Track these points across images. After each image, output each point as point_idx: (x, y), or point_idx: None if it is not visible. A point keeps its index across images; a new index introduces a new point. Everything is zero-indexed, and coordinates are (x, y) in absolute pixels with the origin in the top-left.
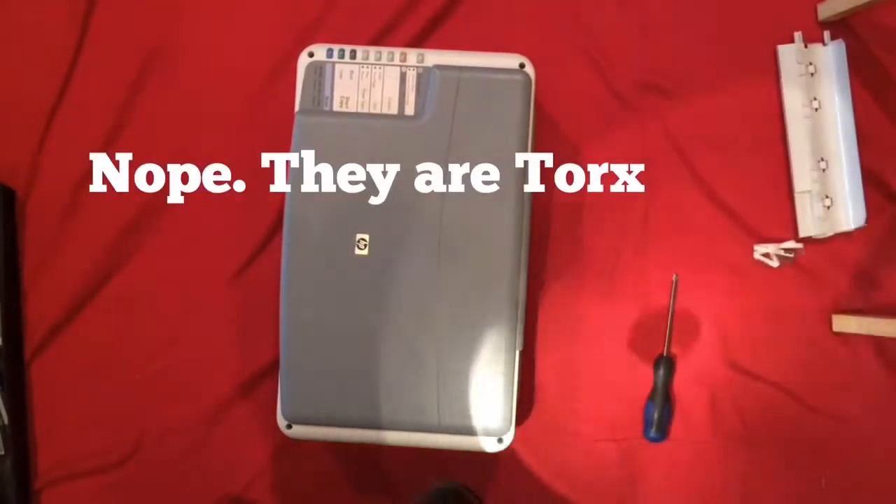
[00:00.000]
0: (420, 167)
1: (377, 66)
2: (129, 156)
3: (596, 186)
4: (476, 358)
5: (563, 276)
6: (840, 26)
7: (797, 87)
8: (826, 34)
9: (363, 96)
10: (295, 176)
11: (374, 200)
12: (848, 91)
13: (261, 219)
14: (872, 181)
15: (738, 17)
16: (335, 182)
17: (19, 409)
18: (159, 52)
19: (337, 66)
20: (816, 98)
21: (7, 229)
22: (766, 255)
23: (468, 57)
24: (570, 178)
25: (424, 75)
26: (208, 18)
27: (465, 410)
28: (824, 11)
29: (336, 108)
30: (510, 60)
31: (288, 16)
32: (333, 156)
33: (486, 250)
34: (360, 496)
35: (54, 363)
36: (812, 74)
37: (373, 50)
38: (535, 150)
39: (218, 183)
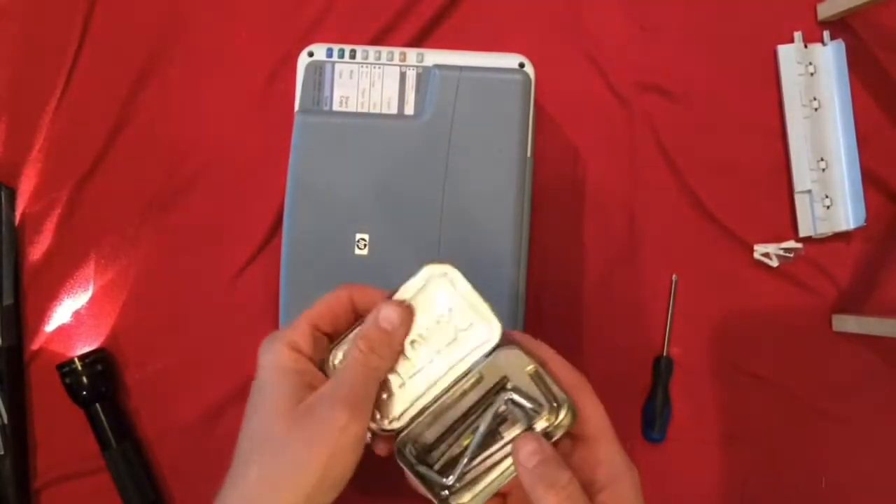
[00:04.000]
0: (420, 167)
1: (377, 66)
2: (128, 156)
3: (596, 184)
4: None
5: (562, 276)
6: (840, 26)
7: (797, 87)
8: (826, 34)
9: (363, 96)
10: (294, 176)
11: (373, 200)
12: (848, 91)
13: (261, 219)
14: (872, 181)
15: (737, 17)
16: (335, 182)
17: (19, 409)
18: (159, 53)
19: (337, 65)
20: (816, 98)
21: (7, 229)
22: (766, 254)
23: (468, 57)
24: (571, 176)
25: (424, 75)
26: (208, 18)
27: None
28: (824, 11)
29: (336, 107)
30: (510, 60)
31: (288, 16)
32: (333, 155)
33: (487, 250)
34: (359, 496)
35: (54, 363)
36: (812, 74)
37: (372, 50)
38: (535, 150)
39: (217, 183)
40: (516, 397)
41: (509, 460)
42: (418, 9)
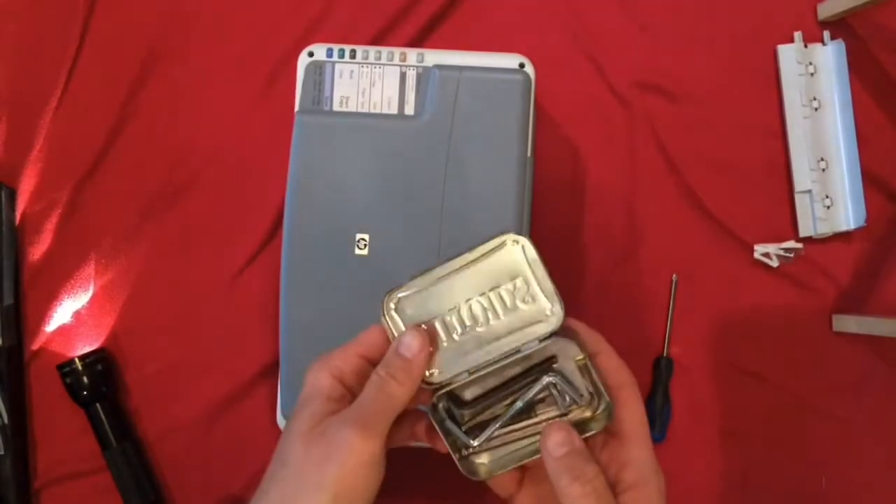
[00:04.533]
0: (420, 167)
1: (377, 66)
2: (128, 156)
3: (596, 184)
4: None
5: (562, 275)
6: (840, 26)
7: (797, 87)
8: (826, 34)
9: (363, 96)
10: (294, 176)
11: (374, 200)
12: (848, 91)
13: (261, 219)
14: (872, 181)
15: (737, 17)
16: (335, 182)
17: (19, 409)
18: (159, 52)
19: (337, 65)
20: (816, 98)
21: (7, 229)
22: (766, 254)
23: (468, 57)
24: (571, 176)
25: (424, 75)
26: (208, 18)
27: None
28: (824, 11)
29: (336, 107)
30: (510, 60)
31: (288, 16)
32: (333, 155)
33: None
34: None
35: (54, 363)
36: (812, 74)
37: (373, 50)
38: (535, 150)
39: (217, 183)
40: (559, 383)
41: (535, 439)
42: (418, 9)
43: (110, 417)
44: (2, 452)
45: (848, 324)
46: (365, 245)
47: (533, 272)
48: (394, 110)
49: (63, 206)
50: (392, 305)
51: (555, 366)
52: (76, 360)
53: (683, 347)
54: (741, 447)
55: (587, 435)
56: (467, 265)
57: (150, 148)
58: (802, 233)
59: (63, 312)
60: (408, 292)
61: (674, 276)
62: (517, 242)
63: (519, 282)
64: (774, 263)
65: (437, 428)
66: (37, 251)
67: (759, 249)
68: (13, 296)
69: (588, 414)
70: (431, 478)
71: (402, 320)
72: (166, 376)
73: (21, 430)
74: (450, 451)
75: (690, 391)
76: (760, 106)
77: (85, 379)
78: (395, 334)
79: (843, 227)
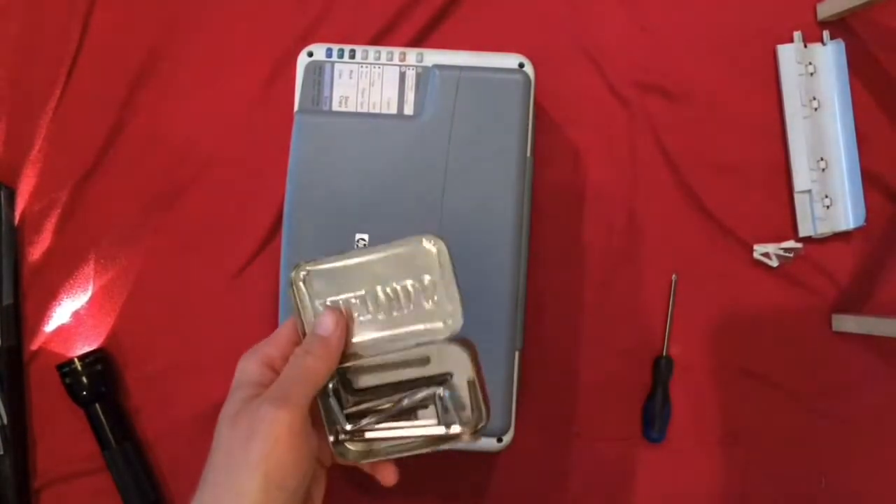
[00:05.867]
0: (420, 167)
1: (376, 66)
2: (128, 156)
3: (596, 184)
4: None
5: (562, 276)
6: (839, 26)
7: (796, 87)
8: (826, 34)
9: (362, 96)
10: (294, 176)
11: (373, 200)
12: (847, 91)
13: (261, 219)
14: (872, 181)
15: (737, 17)
16: (334, 182)
17: (19, 409)
18: (159, 52)
19: (336, 65)
20: (816, 98)
21: (7, 229)
22: (766, 254)
23: (467, 57)
24: (571, 176)
25: (424, 75)
26: (208, 18)
27: None
28: (824, 11)
29: (335, 107)
30: (510, 60)
31: (288, 16)
32: (333, 155)
33: (486, 250)
34: (359, 495)
35: (54, 363)
36: (811, 74)
37: (372, 49)
38: (535, 150)
39: (217, 183)
40: (448, 398)
41: (409, 440)
42: (418, 9)
43: (110, 417)
44: (1, 452)
45: (847, 324)
46: (364, 245)
47: (444, 279)
48: (393, 110)
49: (63, 206)
50: (301, 276)
51: (449, 379)
52: (76, 360)
53: (683, 347)
54: (741, 447)
55: (456, 446)
56: (381, 254)
57: (150, 148)
58: (802, 233)
59: (62, 312)
60: (318, 267)
61: (674, 276)
62: (433, 244)
63: (427, 280)
64: (774, 263)
65: (319, 403)
66: (36, 251)
67: (759, 249)
68: (13, 296)
69: (466, 430)
70: (431, 478)
71: (309, 294)
72: (166, 376)
73: (21, 430)
74: (326, 429)
75: (690, 391)
76: (760, 106)
77: (84, 379)
78: (301, 307)
79: (843, 227)
